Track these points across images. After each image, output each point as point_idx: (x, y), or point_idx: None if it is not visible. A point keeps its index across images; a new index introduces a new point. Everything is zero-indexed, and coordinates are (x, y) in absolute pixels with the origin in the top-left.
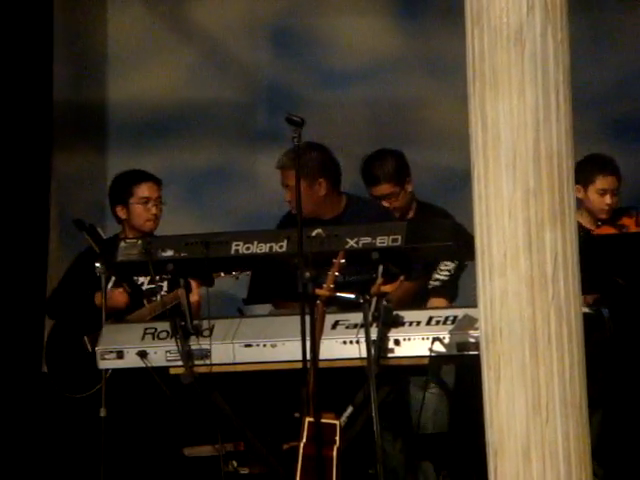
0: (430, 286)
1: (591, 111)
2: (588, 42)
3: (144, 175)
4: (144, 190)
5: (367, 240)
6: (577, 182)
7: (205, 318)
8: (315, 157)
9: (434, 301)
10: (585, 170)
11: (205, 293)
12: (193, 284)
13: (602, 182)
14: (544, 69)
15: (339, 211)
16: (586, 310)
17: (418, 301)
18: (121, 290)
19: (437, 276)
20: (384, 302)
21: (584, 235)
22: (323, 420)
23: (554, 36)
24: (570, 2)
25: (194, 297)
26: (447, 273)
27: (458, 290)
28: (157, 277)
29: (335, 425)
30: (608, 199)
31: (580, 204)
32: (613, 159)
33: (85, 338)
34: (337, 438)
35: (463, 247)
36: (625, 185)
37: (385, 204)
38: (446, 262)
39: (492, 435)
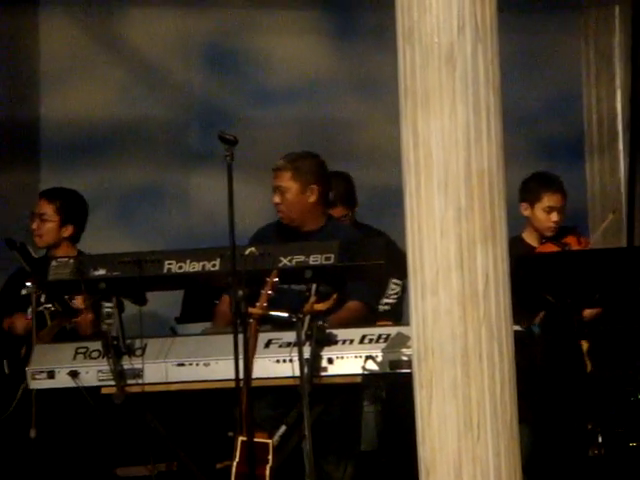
0: (380, 310)
1: (522, 130)
2: (518, 62)
3: (43, 192)
4: (37, 206)
5: (300, 258)
6: (524, 200)
7: (137, 337)
8: (311, 163)
9: (381, 324)
10: (532, 188)
11: (138, 312)
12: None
13: (549, 200)
14: (475, 88)
15: (318, 226)
16: (517, 328)
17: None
18: (23, 315)
19: (386, 300)
20: (322, 323)
21: (522, 254)
22: (256, 439)
23: (484, 55)
24: (500, 22)
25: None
26: (395, 296)
27: (402, 311)
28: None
29: (268, 444)
30: (555, 216)
31: (527, 222)
32: (559, 177)
33: (4, 361)
34: (270, 457)
35: (396, 266)
36: None
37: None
38: (394, 285)
39: (424, 453)
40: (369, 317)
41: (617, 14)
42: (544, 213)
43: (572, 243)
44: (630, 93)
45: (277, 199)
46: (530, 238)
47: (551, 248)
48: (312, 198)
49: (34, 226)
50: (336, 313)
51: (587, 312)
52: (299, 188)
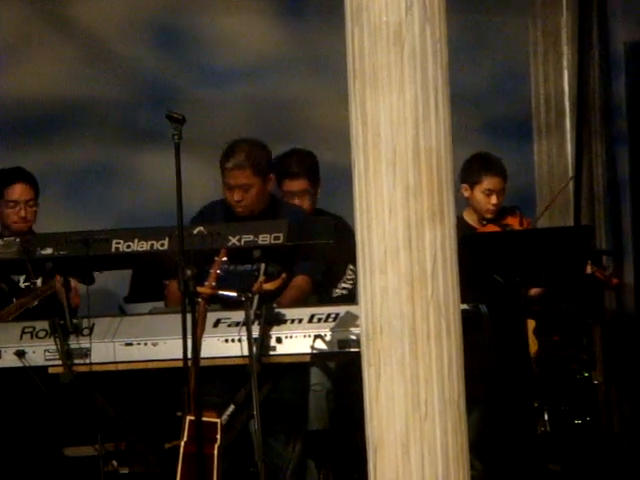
0: (335, 294)
1: (470, 110)
2: (466, 42)
3: (18, 175)
4: (14, 193)
5: (249, 238)
6: (464, 181)
7: (85, 317)
8: (264, 153)
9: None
10: (472, 170)
11: (85, 291)
12: (73, 284)
13: (488, 182)
14: (423, 68)
15: (263, 208)
16: (465, 307)
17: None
18: None
19: (343, 285)
20: (272, 305)
21: (467, 233)
22: (204, 418)
23: (432, 35)
24: (447, 2)
25: (76, 299)
26: (352, 281)
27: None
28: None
29: (216, 423)
30: (494, 199)
31: (468, 203)
32: (500, 159)
33: None
34: (218, 436)
35: (345, 245)
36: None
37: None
38: (350, 270)
39: (372, 431)
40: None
41: None
42: (483, 195)
43: (513, 224)
44: (577, 72)
45: (238, 197)
46: (471, 219)
47: (492, 229)
48: (270, 186)
49: (22, 214)
50: (283, 292)
51: (533, 291)
52: (261, 182)
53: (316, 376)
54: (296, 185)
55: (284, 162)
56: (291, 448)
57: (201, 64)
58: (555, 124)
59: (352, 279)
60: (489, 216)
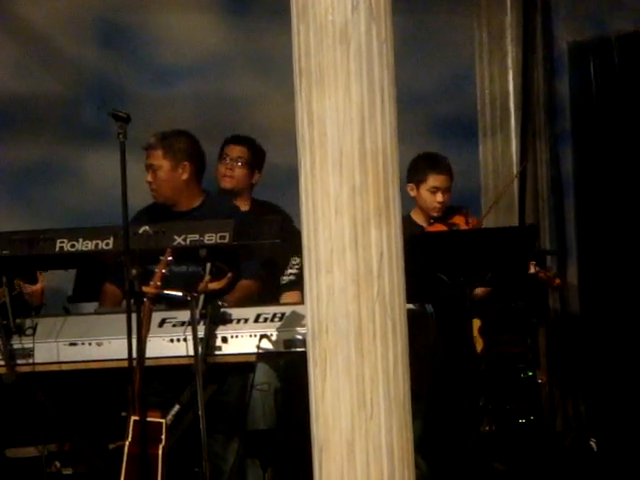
0: (283, 282)
1: (416, 110)
2: (411, 42)
3: None
4: None
5: (195, 237)
6: (410, 180)
7: (28, 316)
8: (183, 140)
9: (287, 295)
10: (418, 169)
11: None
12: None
13: (434, 180)
14: (369, 67)
15: (195, 204)
16: (410, 306)
17: (270, 299)
18: None
19: (289, 271)
20: (219, 303)
21: (414, 233)
22: (149, 419)
23: (378, 35)
24: (393, 3)
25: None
26: (297, 267)
27: None
28: None
29: (161, 423)
30: (440, 197)
31: (415, 202)
32: (445, 158)
33: None
34: (163, 437)
35: (291, 244)
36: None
37: (225, 170)
38: (293, 259)
39: (317, 430)
40: (270, 291)
41: None
42: (429, 194)
43: (460, 223)
44: (521, 73)
45: (150, 177)
46: (419, 218)
47: (439, 228)
48: (184, 175)
49: None
50: (230, 293)
51: (478, 291)
52: (170, 166)
53: (263, 375)
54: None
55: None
56: (231, 449)
57: (147, 62)
58: (500, 124)
59: (297, 264)
60: (435, 214)
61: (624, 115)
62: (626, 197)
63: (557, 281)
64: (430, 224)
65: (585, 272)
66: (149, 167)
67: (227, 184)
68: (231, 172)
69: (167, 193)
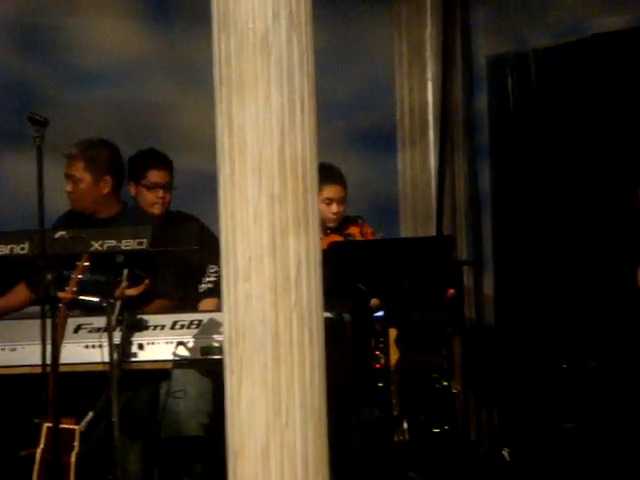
0: (201, 289)
1: (336, 120)
2: (332, 52)
3: None
4: None
5: (112, 243)
6: None
7: None
8: (105, 153)
9: (206, 302)
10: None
11: None
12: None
13: (328, 191)
14: (289, 76)
15: (113, 213)
16: (328, 315)
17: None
18: None
19: (207, 279)
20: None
21: (331, 243)
22: (62, 425)
23: (299, 43)
24: (314, 12)
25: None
26: (216, 274)
27: None
28: None
29: (74, 430)
30: (334, 208)
31: None
32: (338, 168)
33: None
34: (76, 443)
35: (209, 251)
36: (369, 192)
37: (155, 198)
38: (211, 266)
39: (233, 437)
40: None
41: (429, 7)
42: (324, 205)
43: (355, 233)
44: (440, 85)
45: (69, 188)
46: None
47: (335, 239)
48: (106, 189)
49: None
50: (145, 310)
51: (372, 301)
52: (92, 179)
53: (180, 382)
54: (156, 176)
55: (138, 159)
56: (140, 456)
57: (66, 66)
58: (419, 136)
59: (214, 272)
60: (331, 225)
61: (541, 129)
62: (541, 211)
63: (450, 292)
64: (326, 234)
65: (500, 283)
66: (69, 177)
67: (158, 210)
68: (162, 200)
69: (87, 204)
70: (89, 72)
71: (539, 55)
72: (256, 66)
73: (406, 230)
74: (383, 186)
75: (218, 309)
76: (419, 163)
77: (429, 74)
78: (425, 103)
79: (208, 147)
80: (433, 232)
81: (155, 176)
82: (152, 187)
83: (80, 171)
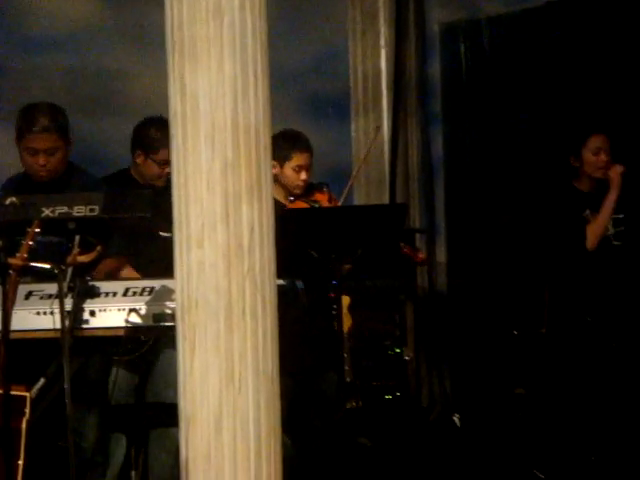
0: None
1: (290, 87)
2: (285, 19)
3: None
4: None
5: (63, 209)
6: (273, 158)
7: None
8: (64, 116)
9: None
10: (281, 146)
11: None
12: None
13: (298, 159)
14: (242, 42)
15: (57, 176)
16: (281, 282)
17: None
18: None
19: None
20: (87, 278)
21: (282, 209)
22: (12, 392)
23: (252, 10)
24: None
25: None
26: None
27: None
28: None
29: (25, 397)
30: (304, 175)
31: (276, 180)
32: (305, 135)
33: None
34: (27, 410)
35: (162, 218)
36: (323, 160)
37: (163, 173)
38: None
39: (185, 405)
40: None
41: None
42: (293, 172)
43: (322, 200)
44: (394, 53)
45: (43, 161)
46: (279, 195)
47: (300, 205)
48: (70, 151)
49: None
50: (95, 270)
51: (346, 267)
52: (65, 146)
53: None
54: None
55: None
56: (91, 424)
57: (16, 32)
58: (372, 103)
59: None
60: (298, 192)
61: (493, 97)
62: (493, 178)
63: (421, 255)
64: (291, 202)
65: (453, 251)
66: (44, 151)
67: (161, 183)
68: (167, 175)
69: (61, 171)
70: (41, 38)
71: (492, 22)
72: (209, 32)
73: (359, 197)
74: (336, 153)
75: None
76: (372, 130)
77: (382, 41)
78: (378, 70)
79: (159, 114)
80: (386, 199)
81: (167, 154)
82: (163, 163)
83: (55, 141)
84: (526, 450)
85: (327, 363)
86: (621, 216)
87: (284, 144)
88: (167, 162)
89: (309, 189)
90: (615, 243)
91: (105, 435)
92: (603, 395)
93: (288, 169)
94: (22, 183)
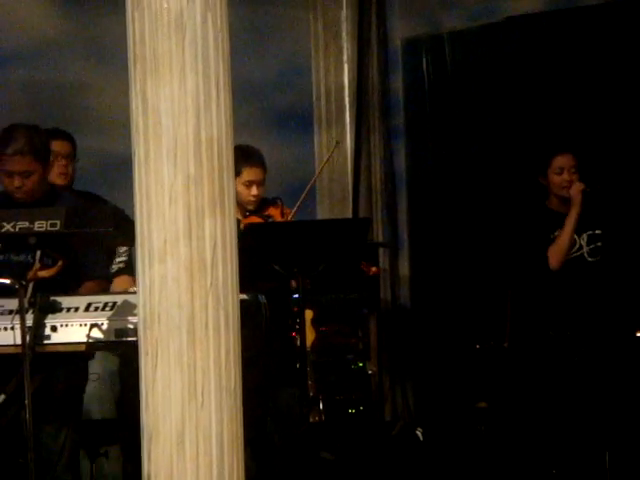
0: (113, 270)
1: (253, 101)
2: (249, 33)
3: None
4: None
5: (24, 224)
6: None
7: None
8: (41, 138)
9: (119, 281)
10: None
11: None
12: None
13: (248, 174)
14: (204, 56)
15: (38, 197)
16: (243, 297)
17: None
18: None
19: (119, 259)
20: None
21: (247, 224)
22: None
23: (214, 24)
24: None
25: None
26: (126, 254)
27: None
28: None
29: None
30: (254, 190)
31: None
32: (259, 150)
33: None
34: None
35: (124, 233)
36: (286, 174)
37: (64, 181)
38: (122, 247)
39: (147, 419)
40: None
41: None
42: (244, 187)
43: (275, 215)
44: (356, 67)
45: (18, 182)
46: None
47: (254, 220)
48: (48, 172)
49: None
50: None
51: (294, 283)
52: (42, 168)
53: (96, 365)
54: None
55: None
56: (62, 440)
57: None
58: (335, 117)
59: (124, 251)
60: (251, 207)
61: (455, 111)
62: (456, 192)
63: (373, 269)
64: (245, 217)
65: (416, 264)
66: (19, 174)
67: (63, 181)
68: (65, 169)
69: (38, 193)
70: (1, 52)
71: (454, 37)
72: (171, 46)
73: (322, 212)
74: (300, 167)
75: (131, 285)
76: (336, 144)
77: (345, 56)
78: (341, 85)
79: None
80: (349, 214)
81: (60, 147)
82: (58, 158)
83: (31, 164)
84: (488, 463)
85: (289, 377)
86: (597, 232)
87: (236, 159)
88: (19, 173)
89: (263, 204)
90: (590, 260)
91: (76, 452)
92: (565, 409)
93: (239, 184)
94: (4, 201)
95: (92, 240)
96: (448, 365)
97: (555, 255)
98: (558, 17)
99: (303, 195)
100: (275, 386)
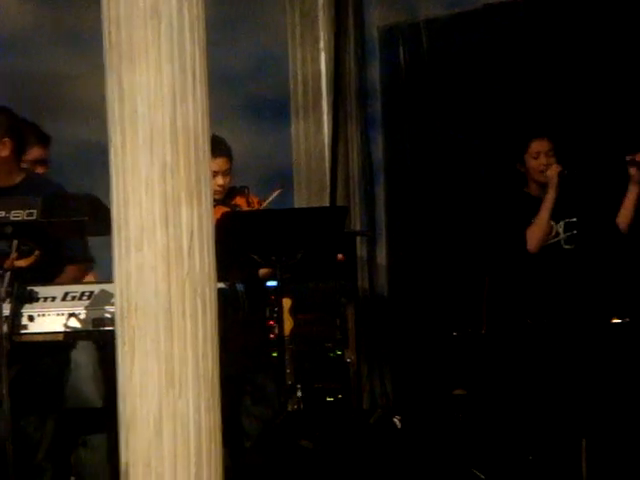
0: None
1: (230, 89)
2: (225, 22)
3: None
4: None
5: (1, 214)
6: None
7: None
8: (2, 116)
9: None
10: None
11: None
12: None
13: (213, 164)
14: (180, 44)
15: (13, 183)
16: (221, 285)
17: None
18: None
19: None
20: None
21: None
22: None
23: (190, 12)
24: None
25: None
26: None
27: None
28: None
29: None
30: (220, 180)
31: None
32: (224, 140)
33: None
34: None
35: (101, 222)
36: (263, 162)
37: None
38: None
39: (125, 409)
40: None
41: None
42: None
43: (241, 204)
44: (333, 55)
45: None
46: None
47: (221, 210)
48: (5, 152)
49: None
50: (59, 278)
51: (262, 271)
52: (13, 150)
53: (77, 354)
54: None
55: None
56: (45, 428)
57: None
58: (312, 106)
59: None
60: (217, 197)
61: (432, 99)
62: (434, 180)
63: (339, 256)
64: (213, 207)
65: (393, 253)
66: None
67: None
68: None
69: (11, 179)
70: None
71: (431, 25)
72: (147, 33)
73: (300, 200)
74: (276, 155)
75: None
76: (312, 133)
77: (322, 44)
78: (318, 73)
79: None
80: (327, 202)
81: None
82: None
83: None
84: (466, 450)
85: (267, 366)
86: (574, 219)
87: None
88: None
89: (230, 193)
90: (566, 247)
91: (57, 441)
92: (542, 396)
93: None
94: None
95: (69, 229)
96: (426, 353)
97: (533, 235)
98: (535, 4)
99: (269, 199)
100: (253, 374)
